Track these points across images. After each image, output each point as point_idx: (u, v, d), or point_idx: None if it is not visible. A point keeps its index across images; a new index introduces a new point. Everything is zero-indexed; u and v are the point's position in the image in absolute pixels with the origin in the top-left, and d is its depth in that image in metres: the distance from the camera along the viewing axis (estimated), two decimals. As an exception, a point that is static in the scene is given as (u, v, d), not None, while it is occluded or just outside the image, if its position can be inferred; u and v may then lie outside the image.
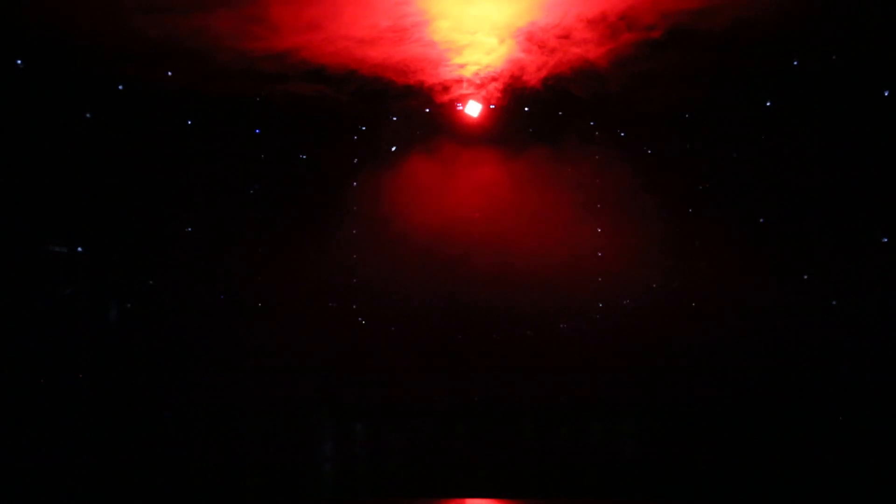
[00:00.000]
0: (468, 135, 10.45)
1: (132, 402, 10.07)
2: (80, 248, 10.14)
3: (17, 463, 9.16)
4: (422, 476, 10.19)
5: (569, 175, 10.44)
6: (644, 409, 10.29)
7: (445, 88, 9.93)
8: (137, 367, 10.18)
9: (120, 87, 9.99)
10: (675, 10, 8.44)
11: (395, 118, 10.55)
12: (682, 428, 10.12)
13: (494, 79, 9.79)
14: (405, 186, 10.44)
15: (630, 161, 10.39)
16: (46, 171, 9.78)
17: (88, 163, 10.11)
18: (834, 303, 9.92)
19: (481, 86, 9.93)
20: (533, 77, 9.61)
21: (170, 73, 9.61)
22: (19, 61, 9.46)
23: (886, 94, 9.51)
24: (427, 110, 10.39)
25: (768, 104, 10.03)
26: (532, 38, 9.03)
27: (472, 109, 10.20)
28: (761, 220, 10.21)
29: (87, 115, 10.08)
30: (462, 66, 9.56)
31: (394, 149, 10.62)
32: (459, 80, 9.84)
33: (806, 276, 10.04)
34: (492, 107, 10.25)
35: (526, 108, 10.44)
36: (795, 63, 9.60)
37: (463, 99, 10.16)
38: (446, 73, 9.67)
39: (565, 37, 8.89)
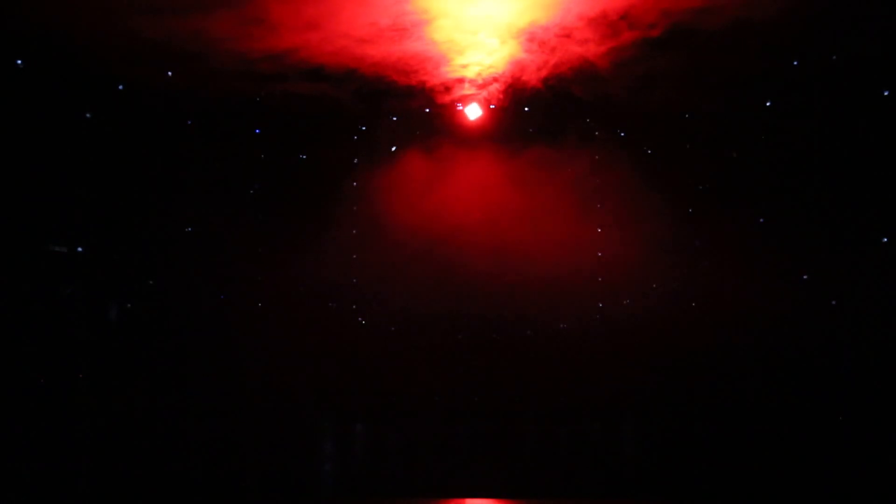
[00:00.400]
0: (469, 135, 10.45)
1: (132, 402, 10.07)
2: (80, 248, 10.14)
3: (17, 463, 9.17)
4: (422, 476, 10.20)
5: (569, 175, 10.44)
6: (644, 409, 10.29)
7: (447, 89, 9.93)
8: (137, 367, 10.18)
9: (120, 87, 9.98)
10: (676, 9, 8.43)
11: (395, 118, 10.55)
12: (682, 428, 10.12)
13: (496, 79, 9.79)
14: (405, 186, 10.44)
15: (630, 161, 10.38)
16: (46, 171, 9.78)
17: (88, 163, 10.11)
18: (834, 303, 9.91)
19: (483, 86, 9.93)
20: (533, 77, 9.61)
21: (170, 74, 9.61)
22: (19, 61, 9.46)
23: (886, 93, 9.50)
24: (427, 110, 10.39)
25: (768, 104, 10.02)
26: (533, 38, 9.03)
27: (473, 112, 10.21)
28: (761, 220, 10.20)
29: (87, 115, 10.08)
30: (463, 66, 9.57)
31: (394, 149, 10.61)
32: (460, 81, 9.84)
33: (806, 276, 10.03)
34: (492, 107, 10.25)
35: (526, 109, 10.43)
36: (795, 63, 9.59)
37: (464, 99, 10.16)
38: (447, 74, 9.67)
39: (566, 36, 8.89)
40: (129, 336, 10.35)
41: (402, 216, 10.38)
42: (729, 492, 9.61)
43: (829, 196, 9.88)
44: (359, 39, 8.83)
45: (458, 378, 10.64)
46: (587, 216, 10.48)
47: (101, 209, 10.23)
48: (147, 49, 8.98)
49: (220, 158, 10.54)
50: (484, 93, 10.03)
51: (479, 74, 9.70)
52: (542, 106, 10.32)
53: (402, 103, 10.21)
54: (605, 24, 8.62)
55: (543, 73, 9.50)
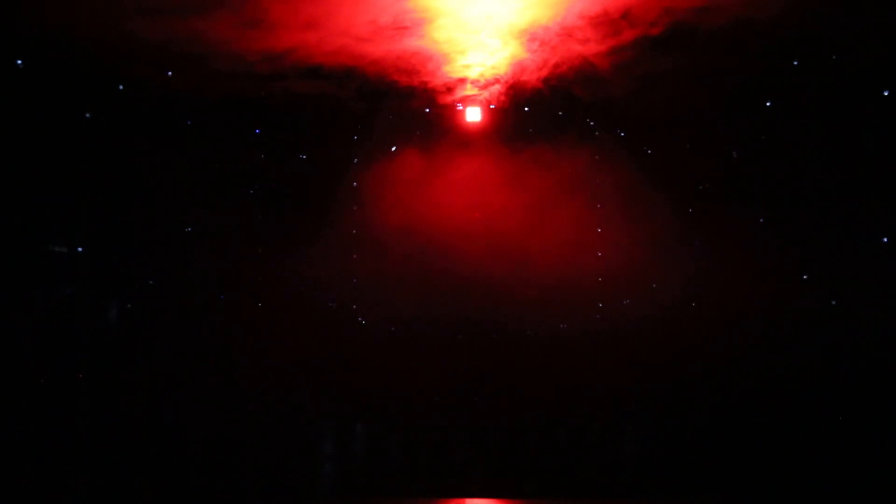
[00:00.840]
0: (469, 134, 10.45)
1: (132, 403, 10.08)
2: (80, 248, 10.13)
3: (17, 463, 9.17)
4: (422, 476, 10.21)
5: (569, 175, 10.44)
6: (644, 408, 10.30)
7: (449, 89, 9.93)
8: (137, 367, 10.18)
9: (120, 87, 9.98)
10: (677, 7, 8.42)
11: (395, 118, 10.55)
12: (682, 428, 10.13)
13: (497, 79, 9.79)
14: (405, 186, 10.44)
15: (630, 161, 10.37)
16: (46, 171, 9.77)
17: (88, 163, 10.11)
18: (834, 303, 9.91)
19: (484, 86, 9.94)
20: (534, 77, 9.61)
21: (170, 74, 9.61)
22: (19, 61, 9.46)
23: (886, 93, 9.50)
24: (428, 110, 10.39)
25: (768, 104, 10.03)
26: (534, 37, 9.02)
27: (473, 115, 10.22)
28: (761, 220, 10.20)
29: (87, 115, 10.07)
30: (465, 66, 9.56)
31: (394, 149, 10.62)
32: (462, 81, 9.85)
33: (806, 276, 10.03)
34: (492, 107, 10.25)
35: (526, 109, 10.44)
36: (795, 63, 9.59)
37: (465, 100, 10.17)
38: (449, 74, 9.67)
39: (567, 35, 8.88)
40: (129, 336, 10.35)
41: (402, 216, 10.38)
42: (729, 491, 9.63)
43: (829, 196, 9.88)
44: (359, 38, 8.83)
45: (457, 378, 10.64)
46: (587, 216, 10.48)
47: (101, 209, 10.23)
48: (147, 50, 8.96)
49: (219, 158, 10.54)
50: (486, 93, 10.04)
51: (481, 75, 9.71)
52: (542, 106, 10.32)
53: (402, 103, 10.21)
54: (606, 22, 8.61)
55: (544, 72, 9.50)
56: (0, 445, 9.13)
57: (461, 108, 10.26)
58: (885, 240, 9.68)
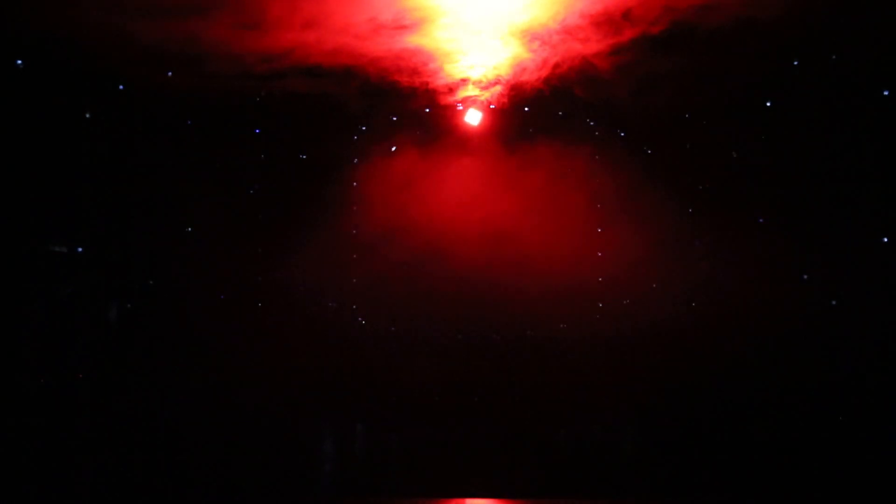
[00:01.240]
0: (469, 134, 10.46)
1: (132, 402, 10.07)
2: (80, 248, 10.13)
3: (17, 463, 9.16)
4: (422, 476, 10.20)
5: (569, 175, 10.44)
6: (644, 409, 10.30)
7: (450, 90, 9.94)
8: (137, 367, 10.18)
9: (120, 87, 9.98)
10: (678, 6, 8.43)
11: (396, 118, 10.55)
12: (682, 428, 10.13)
13: (497, 79, 9.79)
14: (405, 186, 10.44)
15: (631, 161, 10.38)
16: (46, 171, 9.77)
17: (88, 163, 10.11)
18: (834, 303, 9.91)
19: (485, 87, 9.94)
20: (534, 76, 9.61)
21: (170, 74, 9.61)
22: (19, 61, 9.45)
23: (886, 93, 9.50)
24: (428, 110, 10.39)
25: (768, 104, 10.02)
26: (535, 37, 9.03)
27: (473, 118, 10.23)
28: (761, 220, 10.20)
29: (87, 115, 10.07)
30: (466, 66, 9.57)
31: (394, 149, 10.61)
32: (464, 81, 9.85)
33: (806, 276, 10.03)
34: (492, 107, 10.25)
35: (526, 109, 10.43)
36: (795, 63, 9.59)
37: (466, 100, 10.17)
38: (450, 74, 9.68)
39: (568, 34, 8.89)
40: (129, 336, 10.35)
41: (402, 216, 10.38)
42: (729, 492, 9.62)
43: (829, 196, 9.87)
44: (358, 36, 8.83)
45: (458, 378, 10.63)
46: (587, 216, 10.48)
47: (101, 209, 10.22)
48: (146, 50, 8.97)
49: (219, 159, 10.53)
50: (487, 94, 10.04)
51: (483, 76, 9.71)
52: (542, 106, 10.32)
53: (403, 103, 10.21)
54: (607, 21, 8.62)
55: (545, 72, 9.50)
56: (0, 445, 9.13)
57: (461, 108, 10.26)
58: (885, 240, 9.68)
